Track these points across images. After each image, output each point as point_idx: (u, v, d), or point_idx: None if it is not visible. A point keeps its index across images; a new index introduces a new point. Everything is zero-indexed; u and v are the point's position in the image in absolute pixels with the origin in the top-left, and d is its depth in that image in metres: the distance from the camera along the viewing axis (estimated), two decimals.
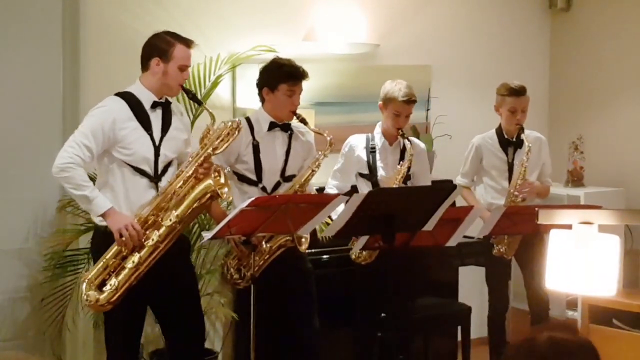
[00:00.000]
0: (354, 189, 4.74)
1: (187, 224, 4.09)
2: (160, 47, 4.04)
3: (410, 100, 4.70)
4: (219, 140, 4.05)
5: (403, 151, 4.77)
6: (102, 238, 3.98)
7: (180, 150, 4.16)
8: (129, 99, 4.03)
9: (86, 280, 3.88)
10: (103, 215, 3.92)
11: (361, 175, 4.82)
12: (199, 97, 5.05)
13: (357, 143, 4.85)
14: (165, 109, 4.12)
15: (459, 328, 5.46)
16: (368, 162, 4.80)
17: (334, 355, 5.19)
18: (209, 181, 3.97)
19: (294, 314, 4.53)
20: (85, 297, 3.87)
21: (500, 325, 5.31)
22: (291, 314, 4.53)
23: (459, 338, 5.47)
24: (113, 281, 3.86)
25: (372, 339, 4.94)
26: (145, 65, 4.09)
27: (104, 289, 3.86)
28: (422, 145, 4.96)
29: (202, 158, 4.00)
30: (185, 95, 4.24)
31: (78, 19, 5.00)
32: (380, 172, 4.79)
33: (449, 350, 5.70)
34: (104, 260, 3.91)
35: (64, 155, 3.91)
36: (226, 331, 5.46)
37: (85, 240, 4.80)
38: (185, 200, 3.96)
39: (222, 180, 4.04)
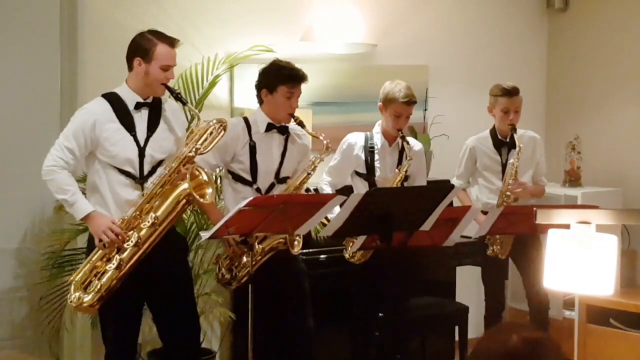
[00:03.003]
0: (348, 189, 4.74)
1: (170, 224, 4.01)
2: (142, 47, 3.98)
3: (410, 102, 4.70)
4: (202, 140, 4.00)
5: (402, 152, 4.77)
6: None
7: (169, 150, 4.09)
8: (113, 100, 4.00)
9: (74, 282, 3.88)
10: (84, 219, 3.92)
11: (358, 174, 4.81)
12: (197, 96, 5.07)
13: (355, 141, 4.83)
14: (153, 109, 4.07)
15: (457, 328, 5.47)
16: (366, 161, 4.79)
17: (331, 355, 5.18)
18: (184, 186, 3.91)
19: (288, 314, 4.53)
20: (71, 298, 3.88)
21: (497, 325, 5.30)
22: (285, 314, 4.53)
23: (457, 338, 5.48)
24: (96, 283, 3.85)
25: (368, 339, 4.94)
26: (129, 66, 4.04)
27: (88, 290, 3.86)
28: (419, 145, 4.95)
29: (184, 159, 3.96)
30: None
31: (76, 19, 5.00)
32: (378, 173, 4.78)
33: (447, 350, 5.71)
34: (90, 262, 3.90)
35: (49, 158, 3.92)
36: (224, 331, 5.46)
37: (82, 240, 4.80)
38: (165, 202, 3.93)
39: (205, 178, 3.99)
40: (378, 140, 4.81)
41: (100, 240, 3.86)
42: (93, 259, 3.90)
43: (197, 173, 3.98)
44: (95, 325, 4.85)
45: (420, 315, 5.16)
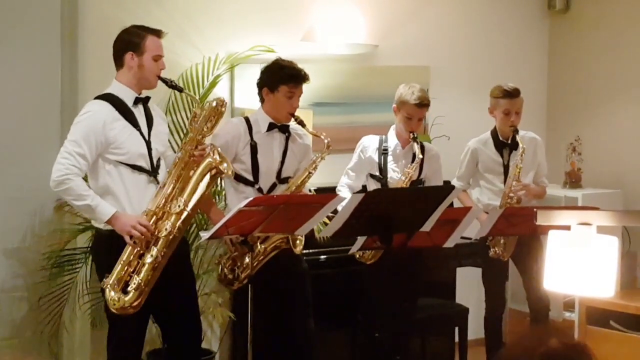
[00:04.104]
0: (364, 189, 4.75)
1: (197, 207, 4.04)
2: (132, 41, 4.03)
3: (422, 104, 4.70)
4: (206, 122, 4.03)
5: (415, 154, 4.77)
6: (104, 241, 3.97)
7: (166, 143, 4.17)
8: (111, 99, 4.01)
9: (109, 285, 3.84)
10: (108, 222, 3.89)
11: (372, 176, 4.83)
12: (197, 96, 5.06)
13: (369, 144, 4.86)
14: (146, 104, 4.11)
15: (457, 329, 5.46)
16: (379, 163, 4.81)
17: (331, 356, 5.19)
18: (209, 159, 3.96)
19: (289, 314, 4.53)
20: (111, 301, 3.83)
21: (497, 326, 5.31)
22: (286, 315, 4.53)
23: (457, 339, 5.48)
24: (135, 280, 3.82)
25: (369, 340, 4.94)
26: (119, 63, 4.07)
27: (128, 289, 3.83)
28: (434, 149, 4.97)
29: (194, 142, 3.99)
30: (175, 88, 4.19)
31: (77, 19, 4.99)
32: (391, 175, 4.78)
33: (446, 351, 5.70)
34: (122, 262, 3.86)
35: (59, 167, 3.87)
36: (223, 331, 5.46)
37: (82, 240, 4.81)
38: (189, 184, 3.95)
39: (217, 157, 4.01)
40: (392, 142, 4.82)
41: (131, 237, 3.84)
42: (124, 258, 3.87)
43: (211, 153, 4.00)
44: (95, 325, 4.86)
45: (420, 316, 5.16)
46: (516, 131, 5.06)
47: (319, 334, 4.64)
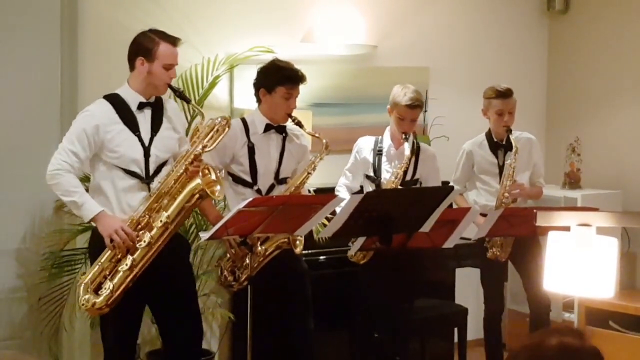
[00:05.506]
0: (362, 190, 4.75)
1: (180, 223, 4.05)
2: (145, 46, 3.98)
3: (414, 105, 4.69)
4: (208, 138, 4.01)
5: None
6: (100, 239, 3.97)
7: (173, 149, 4.11)
8: (115, 101, 3.99)
9: (83, 284, 3.86)
10: (93, 220, 3.91)
11: (367, 177, 4.83)
12: (197, 97, 5.06)
13: (365, 145, 4.86)
14: (155, 109, 4.08)
15: (456, 330, 5.46)
16: (374, 164, 4.81)
17: (331, 356, 5.19)
18: (198, 181, 3.92)
19: (289, 314, 4.53)
20: (82, 301, 3.85)
21: (496, 327, 5.31)
22: (286, 315, 4.53)
23: (456, 339, 5.48)
24: (108, 284, 3.83)
25: (368, 340, 4.94)
26: (131, 65, 4.04)
27: (100, 292, 3.84)
28: (431, 149, 4.97)
29: (192, 156, 3.97)
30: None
31: (76, 20, 5.00)
32: (384, 175, 4.79)
33: (446, 352, 5.70)
34: (100, 263, 3.88)
35: (53, 162, 3.91)
36: (223, 332, 5.46)
37: (82, 240, 4.80)
38: (176, 200, 3.93)
39: (213, 177, 3.99)
40: (386, 143, 4.83)
41: (111, 241, 3.85)
42: (102, 260, 3.88)
43: (206, 172, 3.98)
44: (94, 325, 4.85)
45: (419, 316, 5.15)
46: (510, 131, 5.07)
47: (318, 334, 4.63)
